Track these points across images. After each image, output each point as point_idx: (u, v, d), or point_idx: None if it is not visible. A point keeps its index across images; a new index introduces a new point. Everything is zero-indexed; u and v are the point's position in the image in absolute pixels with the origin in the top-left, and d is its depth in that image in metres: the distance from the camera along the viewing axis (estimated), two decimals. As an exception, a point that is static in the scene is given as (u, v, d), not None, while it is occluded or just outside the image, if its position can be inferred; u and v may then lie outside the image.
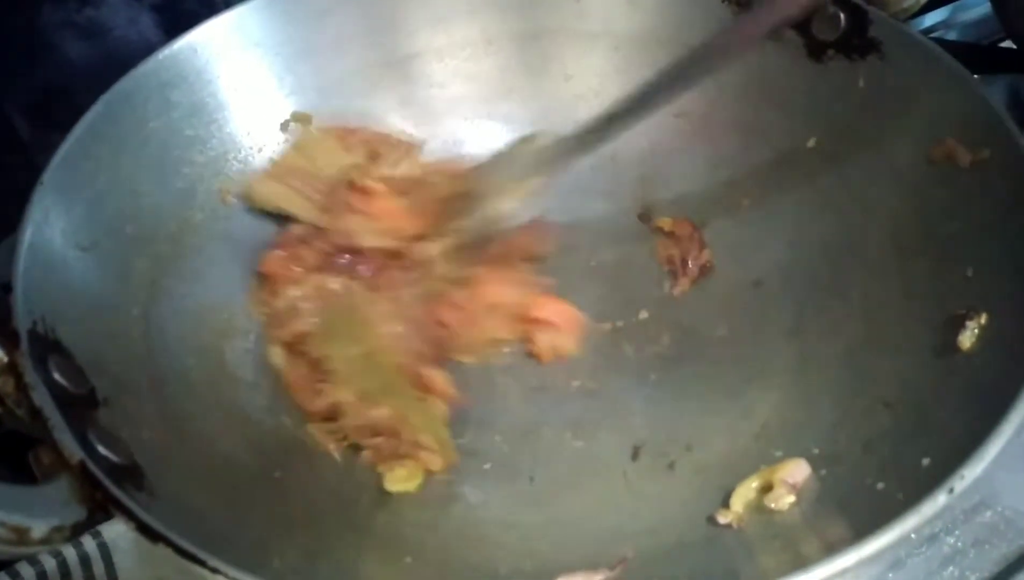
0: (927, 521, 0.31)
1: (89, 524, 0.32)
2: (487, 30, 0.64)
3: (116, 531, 0.46)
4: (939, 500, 0.31)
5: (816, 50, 0.56)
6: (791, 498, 0.40)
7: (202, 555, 0.30)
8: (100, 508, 0.32)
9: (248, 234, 0.57)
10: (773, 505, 0.40)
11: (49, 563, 0.44)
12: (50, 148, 0.47)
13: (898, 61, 0.52)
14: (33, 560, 0.44)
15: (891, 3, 0.53)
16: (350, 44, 0.61)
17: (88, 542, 0.46)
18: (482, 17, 0.64)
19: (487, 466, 0.49)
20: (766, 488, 0.42)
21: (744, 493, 0.42)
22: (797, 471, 0.41)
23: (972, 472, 0.32)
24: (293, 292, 0.52)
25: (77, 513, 0.31)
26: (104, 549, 0.46)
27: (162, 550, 0.46)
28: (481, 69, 0.65)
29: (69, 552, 0.45)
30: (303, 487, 0.46)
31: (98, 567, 0.46)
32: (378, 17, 0.62)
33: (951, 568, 0.48)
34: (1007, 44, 0.78)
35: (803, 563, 0.30)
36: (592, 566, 0.38)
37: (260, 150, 0.59)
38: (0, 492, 0.29)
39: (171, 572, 0.46)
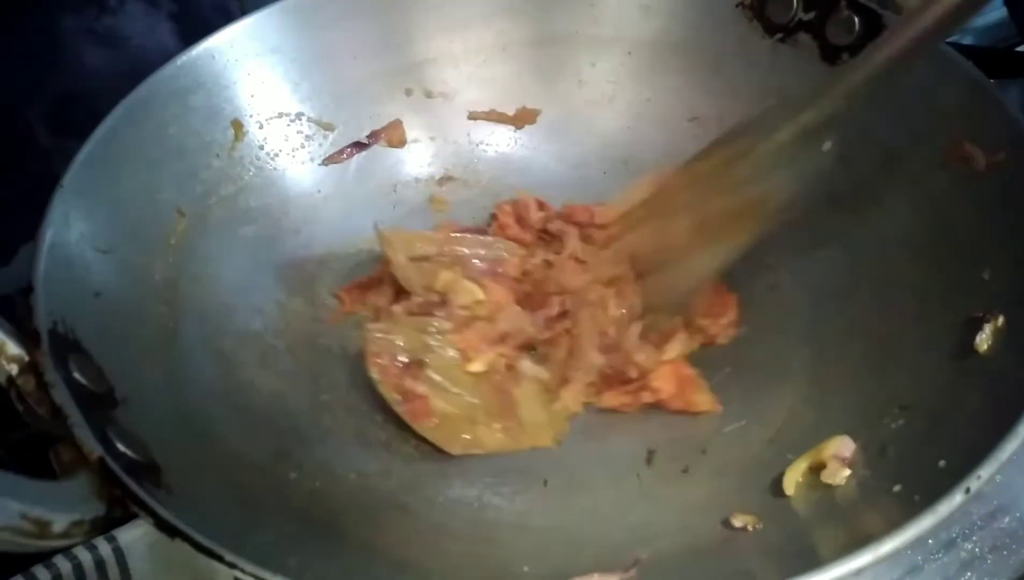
0: (943, 521, 0.31)
1: (108, 519, 0.32)
2: (502, 36, 0.65)
3: (131, 536, 0.46)
4: (955, 500, 0.31)
5: (830, 54, 0.56)
6: (846, 471, 0.40)
7: (219, 550, 0.31)
8: (119, 504, 0.32)
9: (267, 237, 0.58)
10: (831, 481, 0.40)
11: (65, 566, 0.45)
12: (70, 155, 0.48)
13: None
14: (48, 564, 0.44)
15: (905, 7, 0.53)
16: (366, 50, 0.62)
17: (103, 546, 0.46)
18: (497, 23, 0.64)
19: (502, 470, 0.49)
20: (816, 468, 0.42)
21: (794, 475, 0.42)
22: (844, 446, 0.42)
23: (988, 471, 0.32)
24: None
25: (97, 508, 0.32)
26: (119, 554, 0.46)
27: (177, 555, 0.46)
28: (496, 75, 0.65)
29: (84, 556, 0.45)
30: (320, 489, 0.46)
31: (113, 571, 0.46)
32: (393, 23, 0.63)
33: (969, 574, 0.48)
34: (1023, 48, 0.78)
35: (818, 563, 0.30)
36: (606, 568, 0.38)
37: (276, 155, 0.60)
38: (23, 485, 0.30)
39: (185, 576, 0.47)
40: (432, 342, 0.52)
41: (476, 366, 0.51)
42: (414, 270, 0.56)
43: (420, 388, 0.50)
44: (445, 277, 0.54)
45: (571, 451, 0.50)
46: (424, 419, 0.49)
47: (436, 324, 0.53)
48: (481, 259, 0.57)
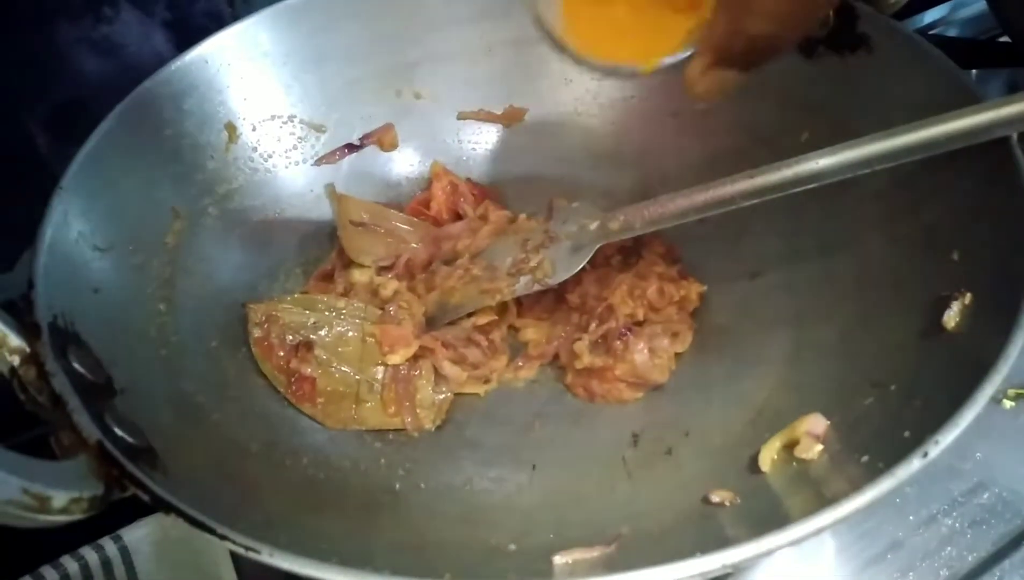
0: (901, 484, 0.32)
1: (106, 499, 0.33)
2: (488, 37, 0.66)
3: (137, 535, 0.48)
4: (913, 465, 0.32)
5: (807, 47, 0.57)
6: (819, 446, 0.42)
7: (211, 523, 0.32)
8: (116, 483, 0.33)
9: (260, 235, 0.59)
10: (804, 456, 0.42)
11: (72, 566, 0.46)
12: (69, 161, 0.49)
13: (885, 55, 0.53)
14: (56, 563, 0.46)
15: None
16: (355, 53, 0.64)
17: (109, 546, 0.48)
18: (482, 24, 0.66)
19: (492, 455, 0.51)
20: (790, 445, 0.43)
21: (769, 453, 0.43)
22: (816, 423, 0.43)
23: (946, 438, 0.33)
24: None
25: (95, 487, 0.33)
26: (125, 553, 0.48)
27: (182, 553, 0.48)
28: (483, 75, 0.67)
29: (91, 556, 0.47)
30: (313, 475, 0.47)
31: (119, 571, 0.48)
32: (382, 27, 0.64)
33: (949, 548, 0.49)
34: (1005, 39, 0.79)
35: (782, 523, 0.31)
36: (589, 544, 0.40)
37: (269, 157, 0.61)
38: (24, 463, 0.31)
39: (190, 574, 0.48)
40: (320, 319, 0.54)
41: (395, 358, 0.53)
42: (352, 233, 0.59)
43: (307, 369, 0.52)
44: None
45: (560, 436, 0.52)
46: (309, 401, 0.51)
47: (325, 299, 0.55)
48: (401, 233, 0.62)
